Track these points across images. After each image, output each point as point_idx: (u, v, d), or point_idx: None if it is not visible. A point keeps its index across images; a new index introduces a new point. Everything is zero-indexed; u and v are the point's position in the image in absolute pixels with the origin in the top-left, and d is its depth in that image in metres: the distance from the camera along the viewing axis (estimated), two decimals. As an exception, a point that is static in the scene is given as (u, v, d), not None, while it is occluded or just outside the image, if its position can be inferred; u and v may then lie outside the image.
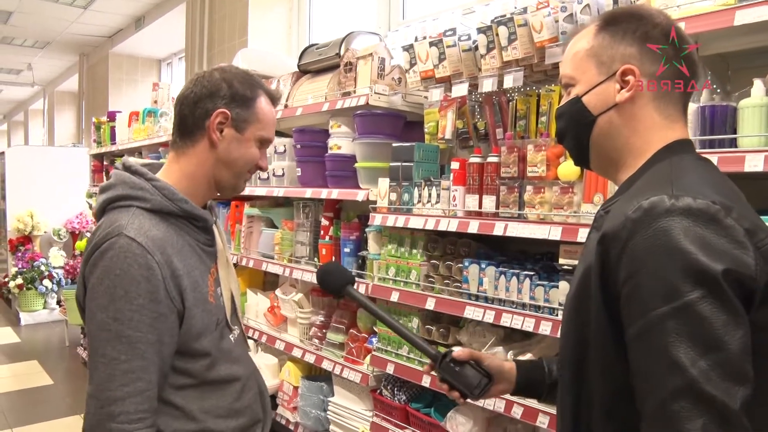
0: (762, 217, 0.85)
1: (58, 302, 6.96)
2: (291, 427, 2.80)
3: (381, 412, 2.33)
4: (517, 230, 1.76)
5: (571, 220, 1.69)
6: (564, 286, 1.68)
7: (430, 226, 2.05)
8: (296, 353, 2.73)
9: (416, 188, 2.15)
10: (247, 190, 3.04)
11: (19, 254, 7.23)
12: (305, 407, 2.66)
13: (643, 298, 0.78)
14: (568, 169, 1.70)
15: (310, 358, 2.63)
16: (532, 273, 1.78)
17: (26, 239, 7.35)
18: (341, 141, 2.56)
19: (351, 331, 2.53)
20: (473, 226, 1.90)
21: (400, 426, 2.23)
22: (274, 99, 1.36)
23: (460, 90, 2.07)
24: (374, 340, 2.34)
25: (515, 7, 1.89)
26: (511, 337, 2.00)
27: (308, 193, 2.67)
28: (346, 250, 2.53)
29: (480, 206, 1.93)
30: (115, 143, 4.98)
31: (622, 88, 0.94)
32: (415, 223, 2.10)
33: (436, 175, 2.20)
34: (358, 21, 3.79)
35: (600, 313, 0.86)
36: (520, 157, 1.83)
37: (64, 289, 6.18)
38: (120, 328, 1.11)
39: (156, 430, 1.17)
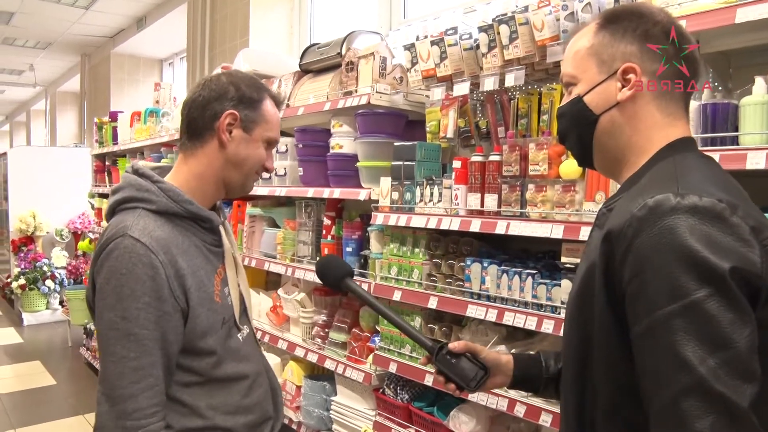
0: (766, 215, 0.85)
1: (61, 302, 6.96)
2: (294, 426, 2.81)
3: (384, 411, 2.33)
4: (519, 229, 1.77)
5: (573, 218, 1.69)
6: (566, 285, 1.68)
7: (432, 225, 2.05)
8: (299, 353, 2.73)
9: (418, 187, 2.15)
10: (249, 190, 3.04)
11: (22, 255, 7.25)
12: (308, 406, 2.66)
13: (649, 296, 0.78)
14: (569, 167, 1.70)
15: (312, 358, 2.64)
16: (534, 271, 1.78)
17: (29, 240, 7.37)
18: (343, 140, 2.56)
19: (353, 330, 2.53)
20: (475, 225, 1.90)
21: (403, 425, 2.23)
22: (278, 102, 1.41)
23: (462, 89, 2.07)
24: (377, 339, 2.34)
25: (516, 6, 1.88)
26: (514, 336, 2.00)
27: (310, 192, 2.67)
28: (349, 249, 2.54)
29: (482, 205, 1.93)
30: (117, 143, 4.97)
31: (623, 86, 0.94)
32: (417, 222, 2.10)
33: (438, 174, 2.20)
34: (359, 20, 3.79)
35: (604, 311, 0.86)
36: (521, 156, 1.83)
37: (66, 290, 6.18)
38: (128, 326, 1.13)
39: (165, 426, 1.19)
